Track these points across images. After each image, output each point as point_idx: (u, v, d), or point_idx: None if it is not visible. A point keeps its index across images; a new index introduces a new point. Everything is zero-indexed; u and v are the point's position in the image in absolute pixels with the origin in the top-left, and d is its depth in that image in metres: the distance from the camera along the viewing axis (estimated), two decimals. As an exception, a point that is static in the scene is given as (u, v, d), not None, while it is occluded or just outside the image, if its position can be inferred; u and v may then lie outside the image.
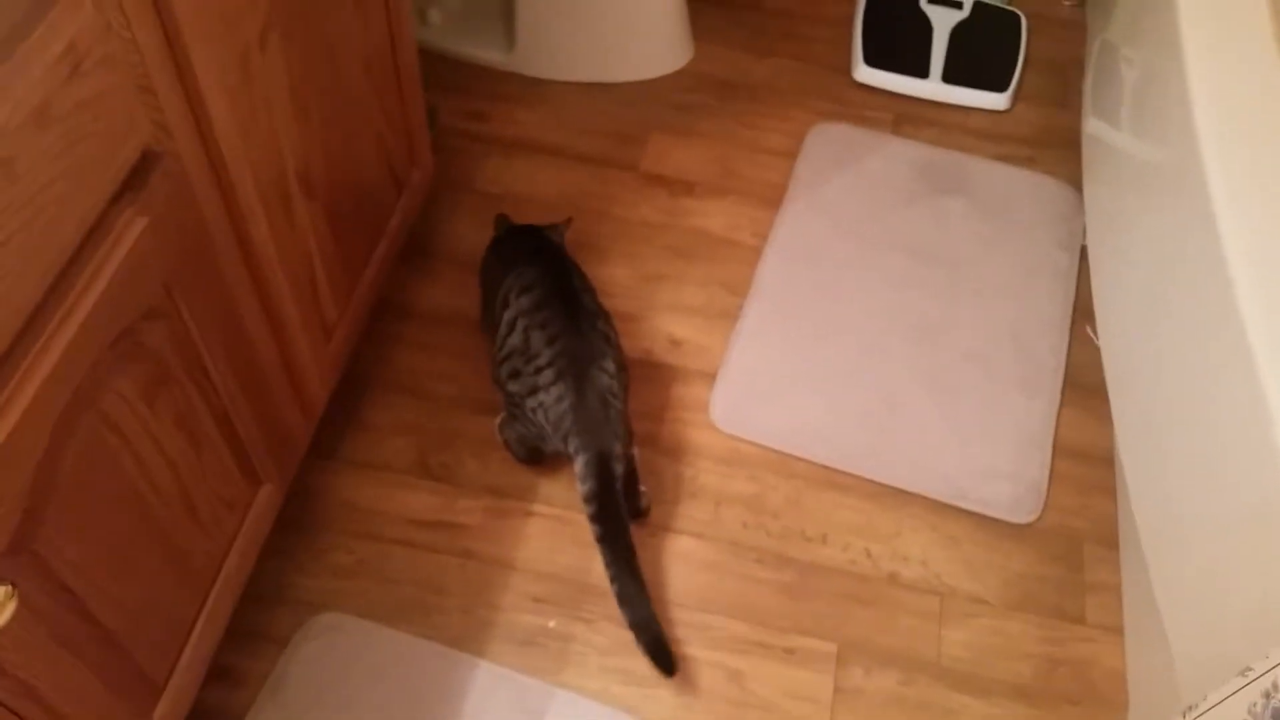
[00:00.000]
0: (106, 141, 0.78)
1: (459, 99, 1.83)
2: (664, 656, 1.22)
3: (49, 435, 0.78)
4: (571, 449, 1.25)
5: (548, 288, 1.32)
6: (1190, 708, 0.96)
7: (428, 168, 1.50)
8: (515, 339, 1.30)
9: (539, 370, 1.27)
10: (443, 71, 1.84)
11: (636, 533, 1.36)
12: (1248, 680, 0.93)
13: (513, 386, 1.31)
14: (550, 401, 1.26)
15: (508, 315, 1.32)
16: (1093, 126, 1.67)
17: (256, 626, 1.27)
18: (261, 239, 1.04)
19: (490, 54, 1.87)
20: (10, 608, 0.75)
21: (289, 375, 1.18)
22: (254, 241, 1.03)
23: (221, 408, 1.04)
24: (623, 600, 1.22)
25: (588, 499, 1.23)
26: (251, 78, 0.95)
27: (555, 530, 1.37)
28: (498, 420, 1.41)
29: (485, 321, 1.42)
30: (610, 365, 1.28)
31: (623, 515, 1.23)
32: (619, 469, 1.25)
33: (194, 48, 0.84)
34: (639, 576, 1.22)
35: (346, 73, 1.17)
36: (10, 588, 0.75)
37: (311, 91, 1.09)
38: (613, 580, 1.22)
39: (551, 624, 1.30)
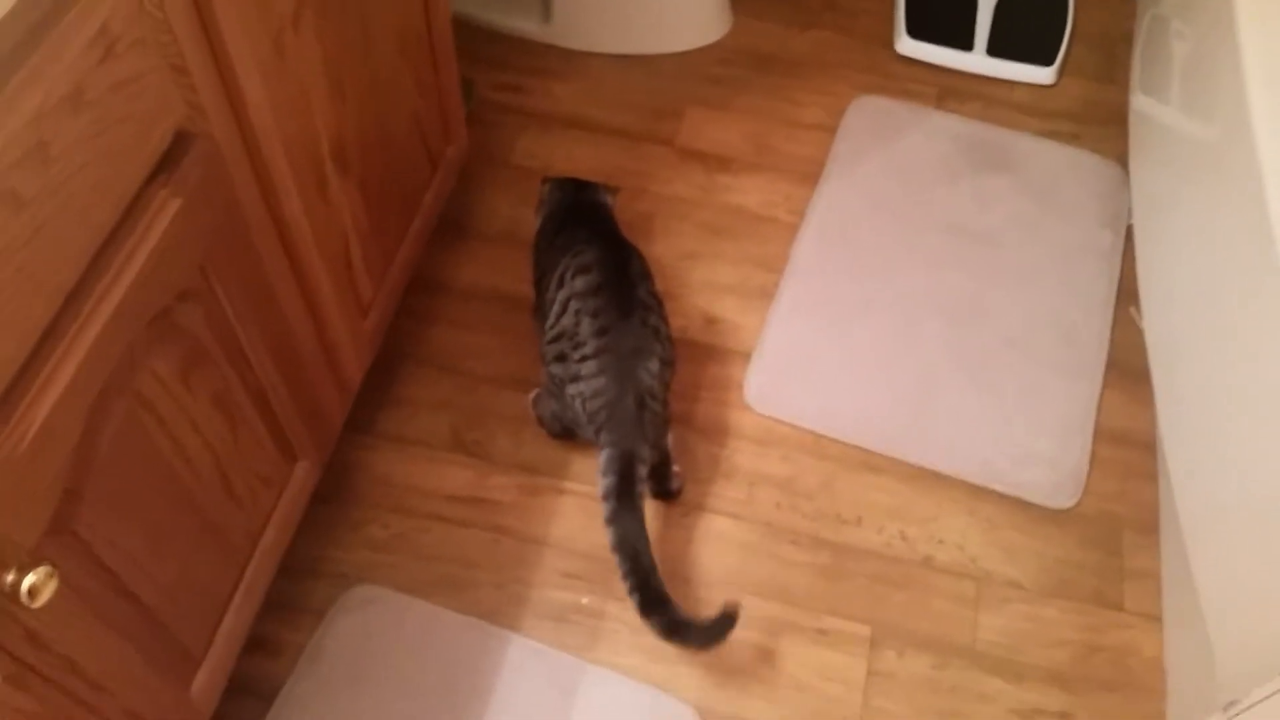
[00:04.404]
0: (141, 123, 0.78)
1: (494, 72, 1.81)
2: (717, 633, 1.19)
3: (86, 417, 0.79)
4: (601, 442, 1.23)
5: (605, 272, 1.29)
6: (1232, 703, 0.94)
7: (462, 142, 1.49)
8: (567, 320, 1.28)
9: (584, 359, 1.25)
10: (478, 43, 1.83)
11: (670, 513, 1.37)
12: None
13: (555, 369, 1.29)
14: (589, 393, 1.24)
15: (561, 295, 1.30)
16: (1141, 103, 1.62)
17: (293, 598, 1.29)
18: (296, 217, 1.04)
19: (526, 25, 1.85)
20: (51, 586, 0.76)
21: (325, 353, 1.18)
22: (288, 220, 1.03)
23: (258, 386, 1.05)
24: (646, 609, 1.17)
25: (605, 495, 1.20)
26: (285, 56, 0.95)
27: (587, 508, 1.37)
28: (531, 395, 1.41)
29: (537, 305, 1.38)
30: (654, 364, 1.26)
31: (639, 521, 1.19)
32: (643, 471, 1.22)
33: (227, 27, 0.84)
34: (657, 582, 1.17)
35: (381, 48, 1.16)
36: (51, 568, 0.76)
37: (346, 68, 1.08)
38: (631, 591, 1.17)
39: (584, 601, 1.30)
